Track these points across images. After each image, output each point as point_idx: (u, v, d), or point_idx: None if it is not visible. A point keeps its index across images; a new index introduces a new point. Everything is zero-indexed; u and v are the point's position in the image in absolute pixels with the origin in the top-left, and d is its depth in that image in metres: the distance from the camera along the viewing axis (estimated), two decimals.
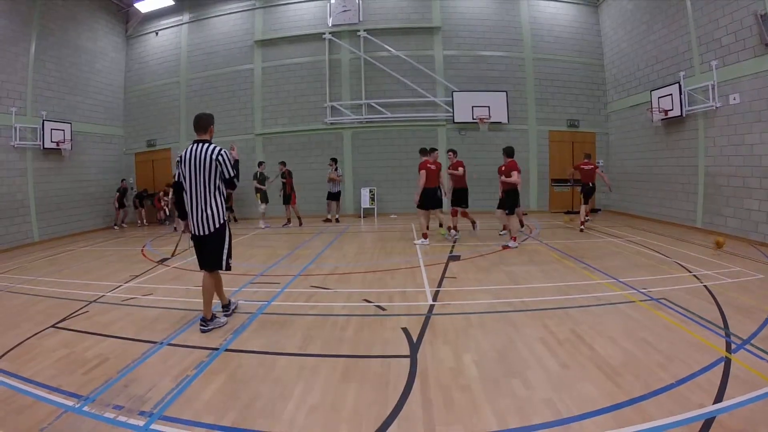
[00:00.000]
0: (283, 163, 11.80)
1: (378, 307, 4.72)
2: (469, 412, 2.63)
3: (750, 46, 7.94)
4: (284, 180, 11.56)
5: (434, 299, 4.94)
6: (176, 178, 4.16)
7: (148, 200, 14.19)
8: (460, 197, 8.84)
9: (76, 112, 12.60)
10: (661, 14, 10.54)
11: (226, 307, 4.52)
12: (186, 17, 14.44)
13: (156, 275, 6.65)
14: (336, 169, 12.15)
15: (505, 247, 7.80)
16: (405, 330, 3.99)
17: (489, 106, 13.03)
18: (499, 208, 8.24)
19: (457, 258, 7.08)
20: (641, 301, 4.68)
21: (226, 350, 3.66)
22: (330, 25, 13.48)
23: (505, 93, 13.16)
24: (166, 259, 7.81)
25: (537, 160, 13.55)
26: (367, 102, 13.39)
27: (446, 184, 9.03)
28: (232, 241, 4.32)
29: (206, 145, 4.01)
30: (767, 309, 4.22)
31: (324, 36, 13.43)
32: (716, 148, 8.98)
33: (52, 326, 4.36)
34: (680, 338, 3.63)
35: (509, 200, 7.98)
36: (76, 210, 12.42)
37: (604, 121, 13.69)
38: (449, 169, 8.80)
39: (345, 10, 13.40)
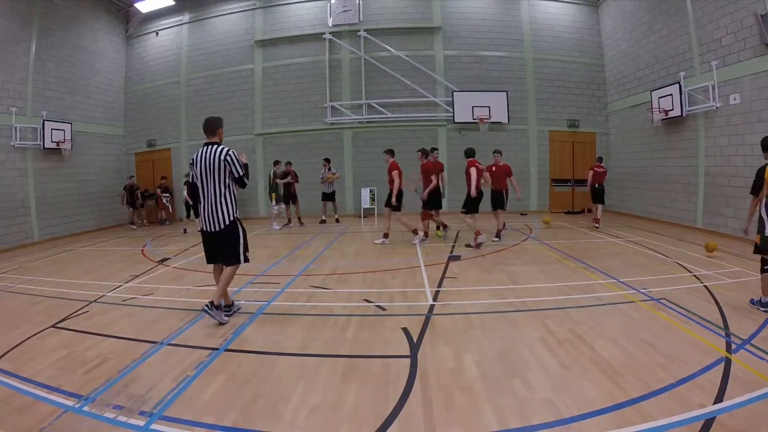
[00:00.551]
0: (290, 164, 11.82)
1: (378, 307, 4.72)
2: (470, 413, 2.63)
3: (750, 46, 7.94)
4: (292, 180, 11.57)
5: (434, 299, 4.94)
6: (190, 180, 4.31)
7: (150, 200, 14.16)
8: (435, 200, 8.65)
9: (77, 112, 12.59)
10: (662, 14, 10.53)
11: (228, 307, 4.54)
12: (186, 17, 14.44)
13: (156, 275, 6.65)
14: (329, 169, 12.11)
15: (468, 246, 7.82)
16: (405, 330, 3.99)
17: (489, 106, 13.03)
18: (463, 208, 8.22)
19: (457, 258, 7.08)
20: (641, 301, 4.68)
21: (227, 350, 3.66)
22: (330, 25, 13.48)
23: (505, 93, 13.16)
24: (166, 259, 7.82)
25: (537, 160, 13.56)
26: (368, 102, 13.39)
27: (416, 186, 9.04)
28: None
29: (215, 146, 4.22)
30: None
31: (324, 36, 13.43)
32: (716, 148, 8.98)
33: (53, 326, 4.36)
34: (680, 338, 3.63)
35: (470, 200, 7.99)
36: (76, 210, 12.41)
37: (604, 121, 13.69)
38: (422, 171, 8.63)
39: (345, 10, 13.40)
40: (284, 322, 4.35)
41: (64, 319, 4.57)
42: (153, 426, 2.55)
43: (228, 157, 4.16)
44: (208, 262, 4.54)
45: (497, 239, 8.47)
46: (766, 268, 4.10)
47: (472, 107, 13.02)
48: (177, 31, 14.51)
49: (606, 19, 13.35)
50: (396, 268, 6.54)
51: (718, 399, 2.64)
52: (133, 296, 5.42)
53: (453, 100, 13.11)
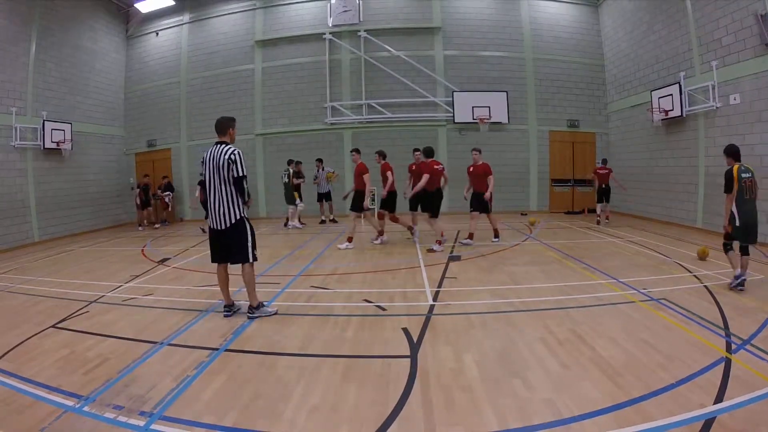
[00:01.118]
0: (300, 163, 11.80)
1: (378, 307, 4.72)
2: (470, 413, 2.63)
3: (750, 46, 7.94)
4: (301, 180, 11.54)
5: (434, 299, 4.93)
6: (203, 177, 4.54)
7: (154, 199, 14.11)
8: (391, 201, 8.49)
9: (77, 112, 12.58)
10: (662, 14, 10.53)
11: (229, 307, 4.55)
12: (186, 17, 14.44)
13: (156, 275, 6.65)
14: (323, 169, 12.06)
15: (431, 251, 7.56)
16: (405, 330, 3.99)
17: (489, 107, 13.03)
18: (423, 210, 8.15)
19: (457, 258, 7.08)
20: (641, 301, 4.68)
21: (227, 350, 3.66)
22: (330, 25, 13.47)
23: (505, 93, 13.16)
24: (166, 259, 7.82)
25: (537, 161, 13.55)
26: (368, 102, 13.39)
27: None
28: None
29: (223, 146, 4.31)
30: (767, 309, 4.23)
31: (324, 36, 13.43)
32: (716, 149, 8.95)
33: (53, 326, 4.36)
34: (680, 338, 3.63)
35: (426, 202, 7.98)
36: (76, 210, 12.40)
37: (604, 122, 13.69)
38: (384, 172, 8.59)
39: (345, 11, 13.40)
40: (284, 322, 4.34)
41: (64, 319, 4.57)
42: (153, 426, 2.54)
43: (232, 156, 4.22)
44: (213, 260, 4.56)
45: (497, 239, 8.45)
46: (728, 249, 5.07)
47: (472, 107, 13.02)
48: (177, 32, 14.51)
49: (606, 19, 13.35)
50: (396, 269, 6.54)
51: (719, 399, 2.64)
52: (133, 296, 5.41)
53: (453, 100, 13.11)
